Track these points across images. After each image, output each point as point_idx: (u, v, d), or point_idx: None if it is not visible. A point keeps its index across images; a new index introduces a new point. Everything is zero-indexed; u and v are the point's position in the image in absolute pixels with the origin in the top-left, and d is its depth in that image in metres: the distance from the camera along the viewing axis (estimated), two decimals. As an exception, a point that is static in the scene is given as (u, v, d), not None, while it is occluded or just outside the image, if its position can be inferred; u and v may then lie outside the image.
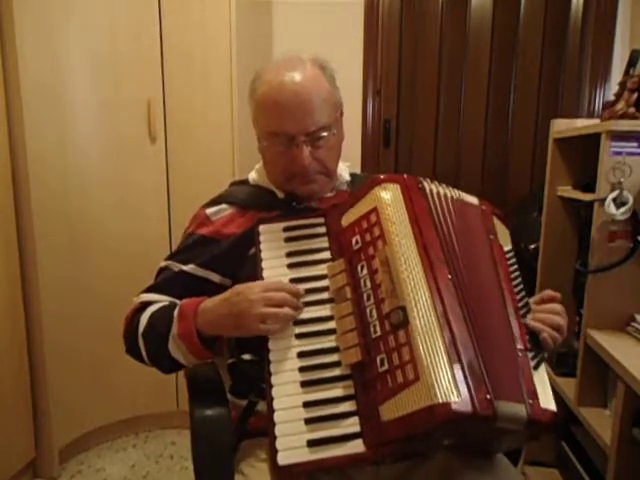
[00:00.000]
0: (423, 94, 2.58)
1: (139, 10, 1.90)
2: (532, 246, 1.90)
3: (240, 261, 0.99)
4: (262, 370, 0.84)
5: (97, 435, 2.05)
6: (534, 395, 0.81)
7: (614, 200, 1.29)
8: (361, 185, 0.94)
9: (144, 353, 0.96)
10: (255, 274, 0.91)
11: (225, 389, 0.99)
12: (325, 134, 0.99)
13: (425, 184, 0.90)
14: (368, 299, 0.82)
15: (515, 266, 0.96)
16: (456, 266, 0.83)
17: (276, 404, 0.80)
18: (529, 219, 2.15)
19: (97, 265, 1.94)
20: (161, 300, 1.00)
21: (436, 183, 0.92)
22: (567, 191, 1.63)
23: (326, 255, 0.91)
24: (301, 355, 0.83)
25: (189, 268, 1.01)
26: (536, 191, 2.25)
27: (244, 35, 2.02)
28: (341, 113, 1.07)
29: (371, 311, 0.81)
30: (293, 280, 0.89)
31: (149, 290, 1.03)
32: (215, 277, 1.01)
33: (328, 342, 0.84)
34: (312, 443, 0.77)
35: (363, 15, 2.45)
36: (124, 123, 1.94)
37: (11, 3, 1.59)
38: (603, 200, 1.30)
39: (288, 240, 0.93)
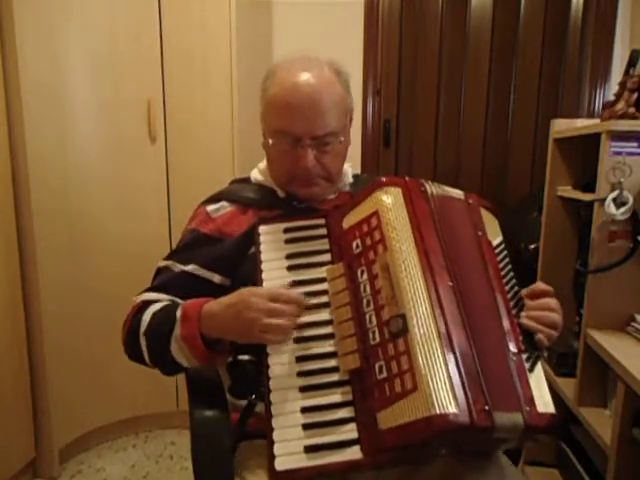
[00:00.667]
0: (423, 94, 2.58)
1: (139, 10, 1.90)
2: (532, 246, 1.90)
3: (240, 260, 0.99)
4: (261, 371, 0.83)
5: (97, 435, 2.05)
6: (531, 401, 0.80)
7: (614, 200, 1.29)
8: (363, 187, 0.93)
9: (146, 353, 0.95)
10: (253, 274, 0.90)
11: (225, 390, 0.98)
12: (332, 140, 0.99)
13: (427, 187, 0.89)
14: (368, 305, 0.81)
15: (507, 260, 0.94)
16: (455, 272, 0.82)
17: (274, 409, 0.79)
18: (529, 219, 2.15)
19: (97, 265, 1.95)
20: (162, 299, 0.98)
21: (431, 183, 0.91)
22: (567, 191, 1.63)
23: (326, 258, 0.90)
24: (300, 359, 0.82)
25: (190, 268, 1.00)
26: (536, 191, 2.25)
27: (244, 35, 2.02)
28: (350, 119, 1.07)
29: (370, 317, 0.80)
30: (292, 283, 0.88)
31: (149, 290, 1.02)
32: (216, 278, 1.01)
33: (327, 347, 0.83)
34: (310, 449, 0.76)
35: (363, 15, 2.45)
36: (124, 123, 1.94)
37: (11, 3, 1.59)
38: (603, 200, 1.30)
39: (288, 242, 0.92)
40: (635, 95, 1.38)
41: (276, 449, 0.76)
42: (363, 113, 2.53)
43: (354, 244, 0.86)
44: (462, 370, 0.74)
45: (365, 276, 0.83)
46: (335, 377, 0.81)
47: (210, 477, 0.88)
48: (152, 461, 1.98)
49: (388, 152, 2.62)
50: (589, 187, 1.44)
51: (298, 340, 0.84)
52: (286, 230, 0.93)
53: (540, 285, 0.93)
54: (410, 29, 2.54)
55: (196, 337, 0.88)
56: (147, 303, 0.98)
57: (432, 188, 0.90)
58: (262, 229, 0.93)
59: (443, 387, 0.72)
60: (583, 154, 1.63)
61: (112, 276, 1.96)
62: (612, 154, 1.30)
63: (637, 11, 2.29)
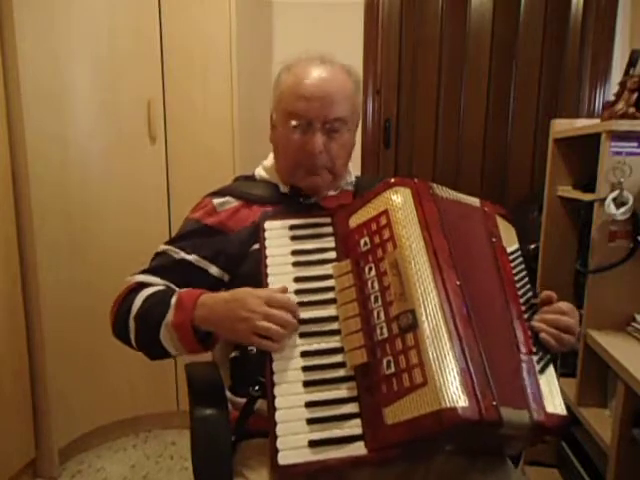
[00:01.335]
0: (423, 94, 2.58)
1: (139, 10, 1.90)
2: (532, 246, 1.90)
3: (242, 256, 1.00)
4: (263, 363, 0.83)
5: (97, 435, 2.05)
6: (540, 400, 0.80)
7: (614, 200, 1.29)
8: (366, 187, 0.96)
9: (132, 336, 0.95)
10: (255, 270, 0.90)
11: (224, 388, 0.98)
12: (341, 127, 1.02)
13: (436, 190, 0.90)
14: (375, 301, 0.82)
15: (521, 266, 0.96)
16: (466, 272, 0.83)
17: (278, 403, 0.79)
18: (529, 219, 2.15)
19: (97, 265, 1.94)
20: (157, 283, 0.99)
21: (441, 187, 0.92)
22: (567, 191, 1.63)
23: (332, 255, 0.90)
24: (305, 354, 0.82)
25: (192, 258, 1.01)
26: (536, 191, 2.25)
27: (244, 35, 2.01)
28: (357, 121, 1.10)
29: (378, 313, 0.81)
30: (298, 279, 0.88)
31: (146, 272, 1.02)
32: (214, 270, 1.02)
33: (332, 342, 0.83)
34: (314, 444, 0.76)
35: (363, 15, 2.45)
36: (124, 123, 1.94)
37: (11, 3, 1.59)
38: (603, 200, 1.30)
39: (294, 238, 0.92)
40: (635, 95, 1.38)
41: (279, 443, 0.76)
42: (363, 113, 2.53)
43: (362, 242, 0.87)
44: (470, 366, 0.74)
45: (373, 273, 0.84)
46: (341, 372, 0.81)
47: (209, 475, 0.88)
48: (152, 461, 1.98)
49: (388, 152, 2.62)
50: (589, 187, 1.44)
51: (303, 335, 0.84)
52: (292, 227, 0.93)
53: (546, 292, 0.94)
54: (410, 29, 2.53)
55: (187, 326, 0.88)
56: (141, 285, 0.98)
57: (440, 191, 0.91)
58: (267, 225, 0.93)
59: (453, 382, 0.72)
60: (583, 154, 1.63)
61: (113, 275, 1.95)
62: (612, 154, 1.30)
63: (637, 11, 2.29)
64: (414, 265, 0.80)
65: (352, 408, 0.78)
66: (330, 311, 0.85)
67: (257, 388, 0.87)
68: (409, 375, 0.74)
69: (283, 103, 1.03)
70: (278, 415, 0.78)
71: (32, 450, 1.82)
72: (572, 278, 1.66)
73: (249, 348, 0.88)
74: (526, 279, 0.95)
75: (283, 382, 0.80)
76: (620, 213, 1.29)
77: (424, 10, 2.52)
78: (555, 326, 0.88)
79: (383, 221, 0.86)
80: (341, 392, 0.80)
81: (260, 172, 1.14)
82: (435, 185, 0.91)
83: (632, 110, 1.37)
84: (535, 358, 0.85)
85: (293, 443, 0.76)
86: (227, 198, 1.06)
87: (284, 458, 0.75)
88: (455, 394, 0.71)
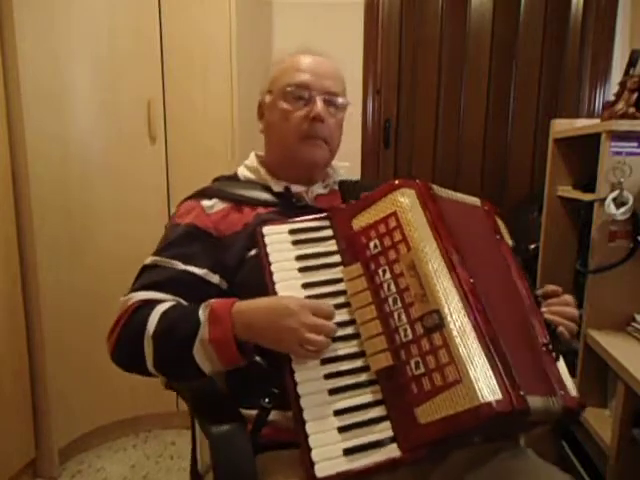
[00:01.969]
0: (423, 94, 2.58)
1: (139, 10, 1.90)
2: (532, 246, 1.90)
3: (239, 263, 0.96)
4: (269, 373, 0.81)
5: (97, 435, 2.05)
6: (563, 386, 0.84)
7: (614, 200, 1.29)
8: (351, 191, 1.00)
9: (150, 357, 0.87)
10: (254, 277, 0.88)
11: (234, 402, 0.93)
12: (337, 103, 1.04)
13: (435, 190, 0.90)
14: (394, 303, 0.81)
15: (519, 262, 0.98)
16: (475, 269, 0.83)
17: (306, 415, 0.77)
18: (529, 219, 2.15)
19: (97, 265, 1.94)
20: (165, 299, 0.92)
21: (439, 188, 0.92)
22: (567, 191, 1.63)
23: (336, 259, 0.89)
24: (324, 362, 0.81)
25: (194, 269, 0.95)
26: (536, 191, 2.25)
27: (244, 35, 2.01)
28: (344, 112, 1.10)
29: (399, 315, 0.80)
30: (306, 285, 0.86)
31: (144, 288, 0.94)
32: (216, 279, 0.97)
33: (350, 347, 0.82)
34: (348, 451, 0.75)
35: (363, 15, 2.46)
36: (124, 123, 1.94)
37: (11, 3, 1.59)
38: (603, 200, 1.30)
39: (296, 243, 0.91)
40: (635, 95, 1.38)
41: (314, 455, 0.75)
42: (363, 113, 2.53)
43: (371, 244, 0.86)
44: (497, 360, 0.75)
45: (388, 275, 0.83)
46: (362, 377, 0.81)
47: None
48: (152, 461, 1.98)
49: (388, 152, 2.62)
50: (589, 187, 1.44)
51: None
52: (291, 231, 0.92)
53: (550, 286, 0.97)
54: (410, 29, 2.53)
55: (229, 341, 0.82)
56: (147, 302, 0.90)
57: (440, 192, 0.92)
58: (266, 230, 0.91)
59: (485, 377, 0.73)
60: (583, 154, 1.64)
61: (112, 276, 1.95)
62: (612, 154, 1.30)
63: (637, 11, 2.29)
64: (431, 266, 0.81)
65: (380, 412, 0.78)
66: (343, 316, 0.84)
67: (267, 400, 0.84)
68: (441, 374, 0.74)
69: (280, 80, 1.05)
70: (309, 427, 0.76)
71: (32, 450, 1.82)
72: (572, 278, 1.66)
73: (257, 359, 0.85)
74: (527, 274, 0.97)
75: (309, 393, 0.79)
76: (620, 213, 1.29)
77: (424, 10, 2.52)
78: (566, 317, 0.92)
79: (392, 223, 0.85)
80: (366, 397, 0.79)
81: (244, 172, 1.11)
82: (434, 186, 0.92)
83: (632, 110, 1.37)
84: (550, 348, 0.88)
85: (328, 454, 0.75)
86: (215, 200, 1.02)
87: (321, 470, 0.74)
88: (489, 388, 0.72)
